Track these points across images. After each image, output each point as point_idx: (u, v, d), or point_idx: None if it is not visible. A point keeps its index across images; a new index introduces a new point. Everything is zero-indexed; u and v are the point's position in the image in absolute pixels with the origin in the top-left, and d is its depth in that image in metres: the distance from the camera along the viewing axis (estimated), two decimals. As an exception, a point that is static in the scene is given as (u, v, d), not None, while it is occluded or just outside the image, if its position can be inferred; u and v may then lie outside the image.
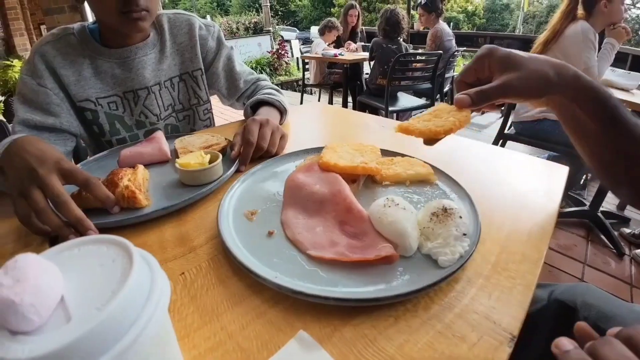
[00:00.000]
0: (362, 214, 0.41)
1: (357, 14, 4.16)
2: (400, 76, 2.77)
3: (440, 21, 3.44)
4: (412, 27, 5.15)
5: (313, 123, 1.00)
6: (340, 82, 4.01)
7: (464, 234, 0.38)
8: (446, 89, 3.57)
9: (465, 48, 3.92)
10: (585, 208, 1.74)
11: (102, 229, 0.44)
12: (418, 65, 2.92)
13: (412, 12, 6.65)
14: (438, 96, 3.21)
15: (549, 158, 1.77)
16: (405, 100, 3.05)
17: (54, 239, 0.46)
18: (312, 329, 0.31)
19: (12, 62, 4.40)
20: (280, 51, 6.42)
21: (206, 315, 0.34)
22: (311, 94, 5.27)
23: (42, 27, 6.18)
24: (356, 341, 0.31)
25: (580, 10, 1.61)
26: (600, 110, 0.41)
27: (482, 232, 0.40)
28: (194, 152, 0.61)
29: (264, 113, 0.82)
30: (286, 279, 0.35)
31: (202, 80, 0.96)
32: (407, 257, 0.38)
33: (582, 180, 2.05)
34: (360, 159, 0.52)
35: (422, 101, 2.99)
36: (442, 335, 0.31)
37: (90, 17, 3.53)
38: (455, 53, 3.32)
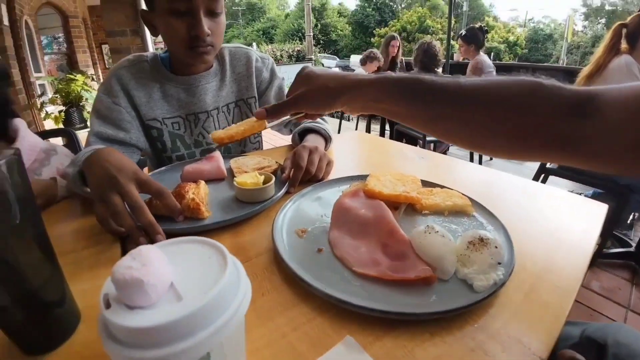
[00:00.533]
0: (403, 237, 0.45)
1: (398, 45, 4.27)
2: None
3: (481, 52, 3.44)
4: (452, 58, 5.18)
5: (353, 151, 1.06)
6: (378, 110, 4.07)
7: (499, 263, 0.41)
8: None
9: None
10: (631, 249, 1.65)
11: (168, 235, 0.50)
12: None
13: (452, 42, 6.69)
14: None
15: (594, 195, 1.71)
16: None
17: (124, 240, 0.54)
18: (356, 335, 0.35)
19: (75, 76, 4.83)
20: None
21: (262, 317, 0.39)
22: (349, 120, 5.39)
23: (104, 46, 6.80)
24: (396, 350, 0.34)
25: (623, 44, 1.60)
26: (402, 95, 0.45)
27: (517, 263, 0.43)
28: (250, 173, 0.67)
29: (312, 140, 0.88)
30: (334, 289, 0.39)
31: (255, 106, 1.06)
32: (444, 280, 0.41)
33: (629, 219, 1.95)
34: (402, 188, 0.56)
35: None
36: (474, 352, 0.34)
37: (149, 40, 3.86)
38: (496, 85, 3.29)
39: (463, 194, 0.58)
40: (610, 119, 0.35)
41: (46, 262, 0.35)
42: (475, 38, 3.42)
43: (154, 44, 4.05)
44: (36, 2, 5.15)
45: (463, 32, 3.47)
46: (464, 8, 24.07)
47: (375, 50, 4.32)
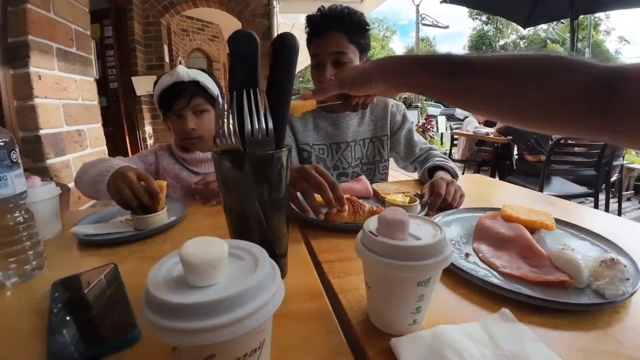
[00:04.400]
0: (541, 252, 0.57)
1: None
2: (558, 159, 2.66)
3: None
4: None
5: (470, 190, 1.17)
6: (488, 159, 4.02)
7: (627, 279, 0.50)
8: (614, 178, 3.20)
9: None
10: None
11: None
12: (579, 149, 2.76)
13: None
14: (604, 186, 2.92)
15: None
16: (561, 185, 2.86)
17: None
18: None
19: None
20: (426, 125, 6.80)
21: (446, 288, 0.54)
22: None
23: None
24: (537, 329, 0.46)
25: None
26: (429, 70, 0.49)
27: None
28: (397, 194, 0.85)
29: (441, 175, 1.04)
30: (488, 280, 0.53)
31: (386, 143, 1.29)
32: (579, 288, 0.51)
33: None
34: (536, 217, 0.68)
35: (582, 189, 2.75)
36: (605, 335, 0.44)
37: None
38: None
39: (598, 234, 0.66)
40: (636, 94, 0.36)
41: (283, 225, 0.52)
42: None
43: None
44: (189, 46, 6.44)
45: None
46: (587, 55, 22.03)
47: None
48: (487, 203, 0.88)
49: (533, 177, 3.10)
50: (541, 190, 2.60)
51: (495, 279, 0.54)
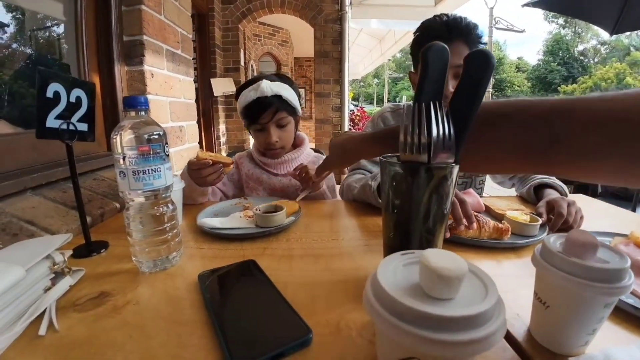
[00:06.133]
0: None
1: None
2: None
3: None
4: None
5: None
6: (571, 181, 3.73)
7: None
8: None
9: None
10: None
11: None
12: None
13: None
14: None
15: None
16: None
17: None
18: None
19: None
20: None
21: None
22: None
23: (300, 89, 8.28)
24: None
25: None
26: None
27: None
28: (514, 211, 0.83)
29: (551, 193, 0.99)
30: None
31: None
32: None
33: None
34: None
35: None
36: None
37: (346, 90, 4.67)
38: None
39: None
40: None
41: (440, 241, 0.52)
42: None
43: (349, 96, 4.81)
44: (260, 51, 6.73)
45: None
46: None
47: None
48: (598, 226, 0.82)
49: (622, 200, 2.84)
50: (633, 210, 2.39)
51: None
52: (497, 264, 0.67)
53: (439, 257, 0.32)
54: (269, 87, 1.16)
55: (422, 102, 0.44)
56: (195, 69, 4.37)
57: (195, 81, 4.34)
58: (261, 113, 1.18)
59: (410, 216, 0.48)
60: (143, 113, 0.62)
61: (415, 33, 1.15)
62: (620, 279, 0.37)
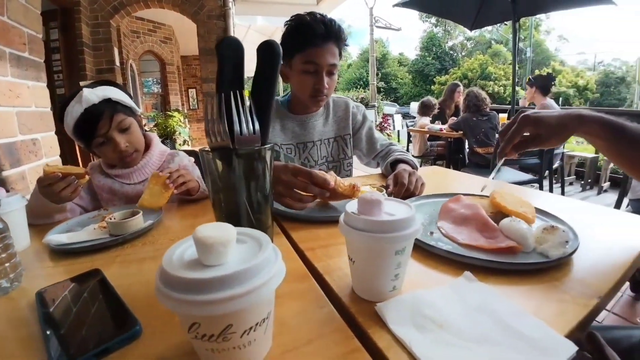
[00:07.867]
0: (494, 226, 0.66)
1: (461, 91, 4.53)
2: (506, 150, 2.88)
3: (548, 98, 3.52)
4: (518, 104, 5.25)
5: (429, 181, 1.27)
6: (442, 154, 4.26)
7: (567, 242, 0.59)
8: (556, 165, 3.51)
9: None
10: None
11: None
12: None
13: (517, 88, 6.75)
14: (547, 173, 3.20)
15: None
16: (510, 174, 3.10)
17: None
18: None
19: (172, 113, 5.94)
20: (383, 124, 7.04)
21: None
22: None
23: (190, 90, 7.90)
24: (494, 287, 0.54)
25: None
26: (604, 133, 0.66)
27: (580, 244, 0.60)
28: (364, 186, 0.92)
29: (403, 167, 1.12)
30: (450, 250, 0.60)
31: (349, 142, 1.37)
32: (527, 252, 0.60)
33: None
34: (522, 209, 0.72)
35: (528, 176, 3.00)
36: (553, 287, 0.52)
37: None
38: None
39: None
40: None
41: (268, 217, 0.57)
42: (541, 84, 3.54)
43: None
44: (140, 49, 6.22)
45: (531, 77, 3.65)
46: (528, 54, 23.73)
47: (429, 98, 4.67)
48: (445, 191, 0.96)
49: (484, 168, 3.33)
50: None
51: (457, 250, 0.61)
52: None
53: (211, 229, 0.34)
54: (92, 94, 1.02)
55: (221, 93, 0.47)
56: (59, 72, 3.84)
57: (60, 86, 3.83)
58: (96, 124, 1.03)
59: (233, 199, 0.50)
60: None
61: (289, 23, 1.17)
62: (404, 228, 0.44)
